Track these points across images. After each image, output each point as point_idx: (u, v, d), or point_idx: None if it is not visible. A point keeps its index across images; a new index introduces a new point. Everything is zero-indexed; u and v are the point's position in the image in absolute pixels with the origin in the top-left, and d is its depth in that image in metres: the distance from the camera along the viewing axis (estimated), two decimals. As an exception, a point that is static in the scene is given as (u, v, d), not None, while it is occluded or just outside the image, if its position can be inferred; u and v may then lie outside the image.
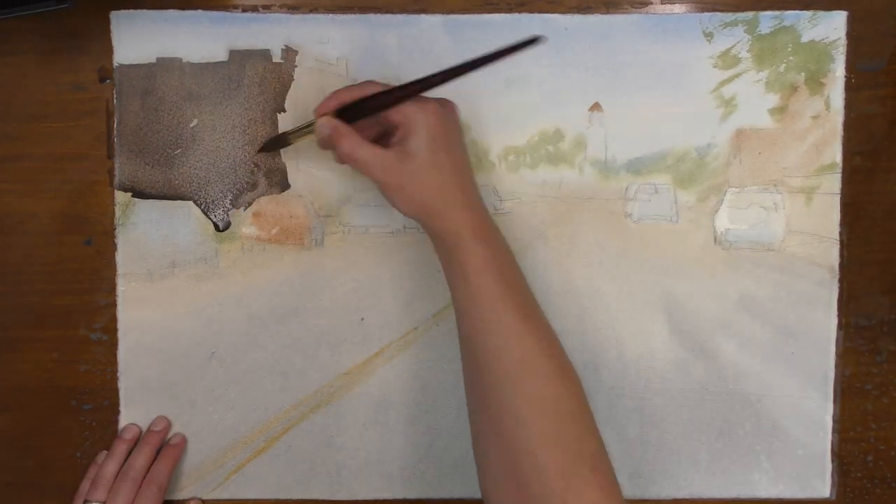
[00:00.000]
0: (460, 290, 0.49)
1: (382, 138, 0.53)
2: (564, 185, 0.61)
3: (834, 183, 0.61)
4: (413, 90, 0.50)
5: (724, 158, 0.61)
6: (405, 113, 0.50)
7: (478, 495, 0.61)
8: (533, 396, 0.47)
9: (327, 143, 0.52)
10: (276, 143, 0.58)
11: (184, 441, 0.60)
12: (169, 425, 0.60)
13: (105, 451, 0.60)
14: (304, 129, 0.55)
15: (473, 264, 0.48)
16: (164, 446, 0.60)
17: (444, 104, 0.52)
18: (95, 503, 0.56)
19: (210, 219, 0.60)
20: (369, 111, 0.51)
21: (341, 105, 0.51)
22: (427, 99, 0.51)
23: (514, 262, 0.51)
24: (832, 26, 0.60)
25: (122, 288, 0.60)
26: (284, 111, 0.60)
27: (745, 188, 0.61)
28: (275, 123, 0.60)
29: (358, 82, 0.52)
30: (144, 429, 0.60)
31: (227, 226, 0.60)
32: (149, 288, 0.60)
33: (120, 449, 0.59)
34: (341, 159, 0.51)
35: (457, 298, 0.50)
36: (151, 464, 0.58)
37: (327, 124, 0.51)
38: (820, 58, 0.60)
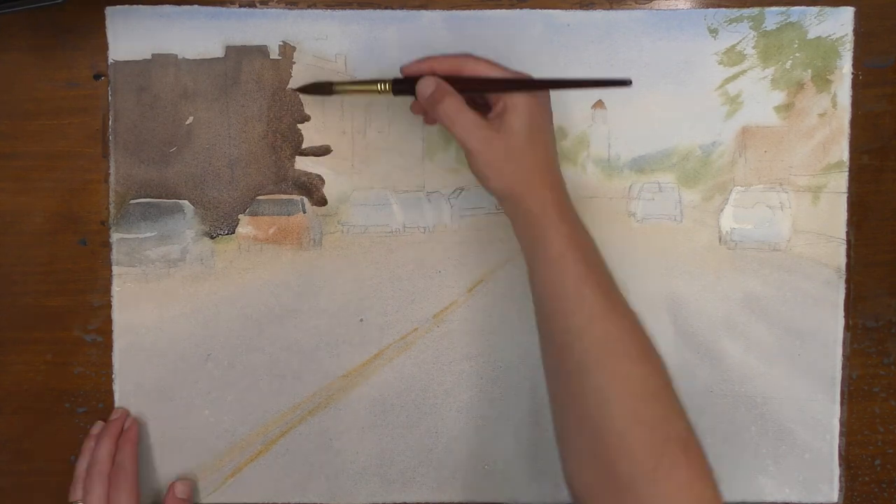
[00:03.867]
0: (543, 271, 0.48)
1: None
2: (567, 184, 0.59)
3: (841, 182, 0.60)
4: (515, 87, 0.50)
5: (730, 157, 0.60)
6: None
7: (478, 499, 0.60)
8: (618, 375, 0.46)
9: (426, 101, 0.50)
10: (319, 89, 0.56)
11: (135, 424, 0.59)
12: (126, 413, 0.59)
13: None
14: (361, 85, 0.54)
15: (558, 245, 0.48)
16: (121, 433, 0.59)
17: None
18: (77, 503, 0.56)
19: (208, 224, 0.59)
20: (463, 90, 0.50)
21: (433, 73, 0.50)
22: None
23: (594, 243, 0.50)
24: (839, 22, 0.59)
25: (117, 289, 0.59)
26: (282, 109, 0.59)
27: (750, 187, 0.60)
28: (271, 121, 0.59)
29: (460, 57, 0.51)
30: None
31: (232, 231, 0.60)
32: (144, 289, 0.59)
33: (89, 446, 0.58)
34: (440, 119, 0.49)
35: (538, 280, 0.49)
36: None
37: (432, 82, 0.50)
38: (827, 54, 0.59)
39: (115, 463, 0.57)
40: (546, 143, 0.50)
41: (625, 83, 0.49)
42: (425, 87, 0.50)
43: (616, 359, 0.46)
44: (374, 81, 0.53)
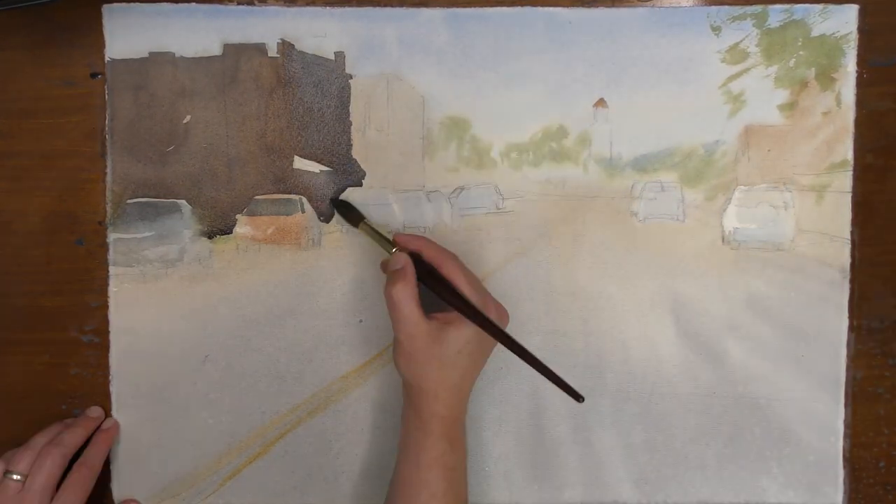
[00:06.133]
0: (409, 471, 0.52)
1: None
2: (568, 184, 0.59)
3: (845, 181, 0.59)
4: (471, 317, 0.51)
5: (733, 156, 0.59)
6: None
7: (478, 500, 0.60)
8: None
9: (389, 273, 0.52)
10: (348, 210, 0.58)
11: (116, 426, 0.59)
12: (104, 416, 0.59)
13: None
14: (381, 237, 0.55)
15: (430, 456, 0.51)
16: (98, 431, 0.58)
17: (501, 314, 0.53)
18: (16, 475, 0.53)
19: (206, 224, 0.59)
20: (436, 291, 0.52)
21: (420, 255, 0.52)
22: (495, 304, 0.53)
23: (464, 468, 0.54)
24: (843, 20, 0.58)
25: (114, 289, 0.59)
26: (281, 107, 0.59)
27: (753, 186, 0.59)
28: (270, 119, 0.59)
29: (447, 254, 0.52)
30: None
31: (230, 231, 0.59)
32: (141, 289, 0.59)
33: (55, 429, 0.57)
34: (387, 297, 0.51)
35: (400, 474, 0.53)
36: (83, 445, 0.57)
37: (402, 261, 0.52)
38: (831, 52, 0.59)
39: (83, 456, 0.56)
40: (468, 370, 0.53)
41: (577, 398, 0.50)
42: (395, 261, 0.52)
43: None
44: (391, 245, 0.54)
